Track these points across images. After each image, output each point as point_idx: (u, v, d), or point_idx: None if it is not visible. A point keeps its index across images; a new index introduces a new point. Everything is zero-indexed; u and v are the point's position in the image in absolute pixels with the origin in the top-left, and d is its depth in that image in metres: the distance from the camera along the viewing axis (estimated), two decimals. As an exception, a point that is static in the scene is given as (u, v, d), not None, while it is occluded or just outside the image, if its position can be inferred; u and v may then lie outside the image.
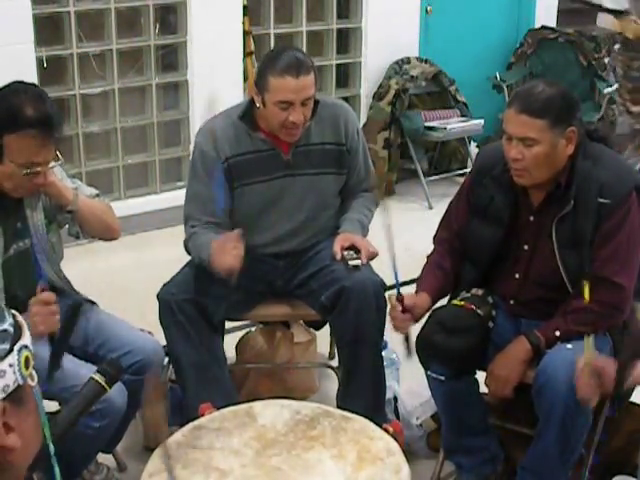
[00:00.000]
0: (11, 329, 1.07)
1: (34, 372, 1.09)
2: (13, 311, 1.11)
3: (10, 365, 1.04)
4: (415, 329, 2.53)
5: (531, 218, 2.49)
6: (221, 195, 2.62)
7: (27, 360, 1.07)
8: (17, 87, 2.31)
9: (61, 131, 2.32)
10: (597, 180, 2.37)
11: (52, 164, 2.39)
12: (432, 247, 2.69)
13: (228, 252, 2.56)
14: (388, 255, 2.45)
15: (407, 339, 2.51)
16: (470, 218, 2.58)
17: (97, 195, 2.64)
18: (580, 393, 2.16)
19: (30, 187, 2.33)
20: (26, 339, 1.09)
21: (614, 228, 2.37)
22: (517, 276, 2.55)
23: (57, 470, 1.28)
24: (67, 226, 2.58)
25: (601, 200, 2.36)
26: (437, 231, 2.70)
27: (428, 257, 2.67)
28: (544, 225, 2.46)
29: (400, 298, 2.47)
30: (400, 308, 2.46)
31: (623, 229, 2.37)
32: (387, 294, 2.63)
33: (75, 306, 1.94)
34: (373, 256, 2.75)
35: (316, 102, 2.78)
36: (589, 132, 2.47)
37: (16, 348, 1.06)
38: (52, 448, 1.24)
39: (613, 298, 2.39)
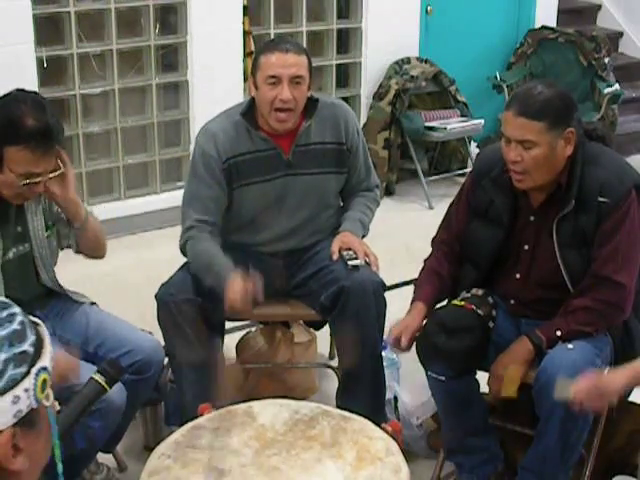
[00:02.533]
0: (31, 350, 1.02)
1: (50, 392, 1.06)
2: (35, 319, 1.07)
3: (25, 390, 1.01)
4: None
5: (531, 218, 2.49)
6: None
7: (44, 383, 1.03)
8: (17, 96, 2.29)
9: (61, 140, 2.32)
10: (597, 179, 2.37)
11: (52, 174, 2.38)
12: (431, 249, 2.69)
13: (244, 298, 2.51)
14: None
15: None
16: (470, 220, 2.58)
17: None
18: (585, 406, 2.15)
19: (29, 196, 2.33)
20: (46, 359, 1.04)
21: (614, 227, 2.37)
22: (518, 276, 2.54)
23: None
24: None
25: (601, 199, 2.36)
26: (437, 233, 2.70)
27: (425, 261, 2.67)
28: (544, 225, 2.46)
29: (399, 343, 2.50)
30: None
31: (623, 228, 2.37)
32: (387, 328, 2.65)
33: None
34: (372, 260, 2.74)
35: (316, 101, 2.79)
36: (588, 132, 2.47)
37: (34, 371, 1.02)
38: (60, 468, 1.20)
39: (614, 297, 2.39)
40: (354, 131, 2.87)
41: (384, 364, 2.84)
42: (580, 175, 2.38)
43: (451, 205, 2.68)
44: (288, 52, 2.65)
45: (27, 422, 1.02)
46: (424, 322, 2.53)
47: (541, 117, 2.31)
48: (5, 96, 2.30)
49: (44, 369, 1.03)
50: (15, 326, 1.02)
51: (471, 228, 2.58)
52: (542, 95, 2.33)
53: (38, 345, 1.04)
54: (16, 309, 1.04)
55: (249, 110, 2.77)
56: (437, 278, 2.60)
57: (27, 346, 1.02)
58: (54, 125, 2.27)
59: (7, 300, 1.06)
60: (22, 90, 2.34)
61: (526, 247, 2.51)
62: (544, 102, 2.32)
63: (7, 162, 2.24)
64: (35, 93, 2.44)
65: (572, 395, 2.10)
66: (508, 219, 2.50)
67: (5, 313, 1.02)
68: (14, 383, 1.00)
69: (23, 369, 1.01)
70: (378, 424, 2.14)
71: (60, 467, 1.20)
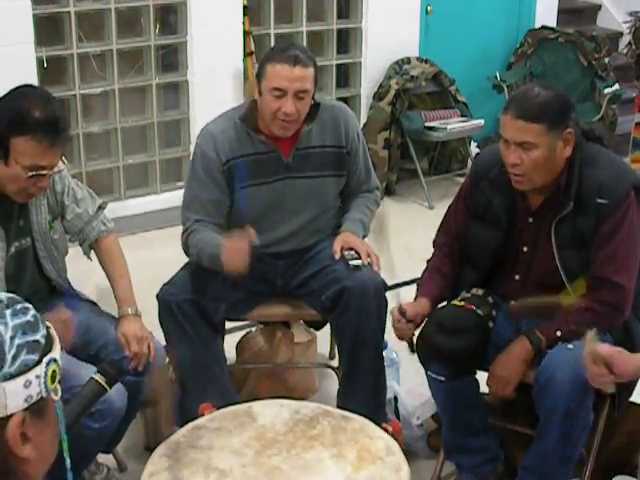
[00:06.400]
0: (43, 340, 1.07)
1: (59, 386, 1.09)
2: (48, 322, 1.12)
3: (37, 376, 1.05)
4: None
5: (530, 220, 2.49)
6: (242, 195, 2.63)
7: (54, 374, 1.07)
8: (25, 90, 2.31)
9: (67, 135, 2.33)
10: (596, 180, 2.37)
11: (57, 168, 2.39)
12: (432, 249, 2.70)
13: (240, 255, 2.53)
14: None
15: (410, 340, 2.54)
16: (469, 221, 2.58)
17: (100, 207, 2.65)
18: (593, 383, 2.16)
19: (33, 191, 2.33)
20: (56, 353, 1.09)
21: (613, 228, 2.37)
22: (517, 278, 2.55)
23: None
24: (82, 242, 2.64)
25: (600, 200, 2.36)
26: (437, 235, 2.70)
27: (428, 261, 2.68)
28: (543, 227, 2.46)
29: (402, 310, 2.49)
30: (404, 320, 2.49)
31: (622, 229, 2.37)
32: (390, 307, 2.65)
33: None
34: (374, 260, 2.74)
35: (317, 105, 2.78)
36: (585, 132, 2.47)
37: (45, 360, 1.06)
38: (68, 463, 1.23)
39: (613, 298, 2.39)
40: (354, 134, 2.87)
41: (384, 364, 2.84)
42: (579, 176, 2.38)
43: (450, 207, 2.69)
44: (296, 65, 2.61)
45: (36, 411, 1.06)
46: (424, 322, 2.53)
47: (540, 119, 2.31)
48: (12, 90, 2.32)
49: (54, 360, 1.08)
50: (29, 318, 1.08)
51: (470, 230, 2.58)
52: (540, 97, 2.33)
53: (49, 339, 1.09)
54: (29, 305, 1.10)
55: (249, 114, 2.76)
56: (439, 275, 2.62)
57: (39, 337, 1.07)
58: (61, 117, 2.28)
59: (20, 298, 1.10)
60: (29, 85, 2.35)
61: (525, 249, 2.51)
62: (542, 104, 2.32)
63: (14, 154, 2.24)
64: (42, 88, 2.45)
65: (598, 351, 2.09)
66: (506, 220, 2.50)
67: (19, 306, 1.08)
68: (27, 368, 1.04)
69: (35, 356, 1.06)
70: (378, 424, 2.14)
71: (68, 462, 1.23)
